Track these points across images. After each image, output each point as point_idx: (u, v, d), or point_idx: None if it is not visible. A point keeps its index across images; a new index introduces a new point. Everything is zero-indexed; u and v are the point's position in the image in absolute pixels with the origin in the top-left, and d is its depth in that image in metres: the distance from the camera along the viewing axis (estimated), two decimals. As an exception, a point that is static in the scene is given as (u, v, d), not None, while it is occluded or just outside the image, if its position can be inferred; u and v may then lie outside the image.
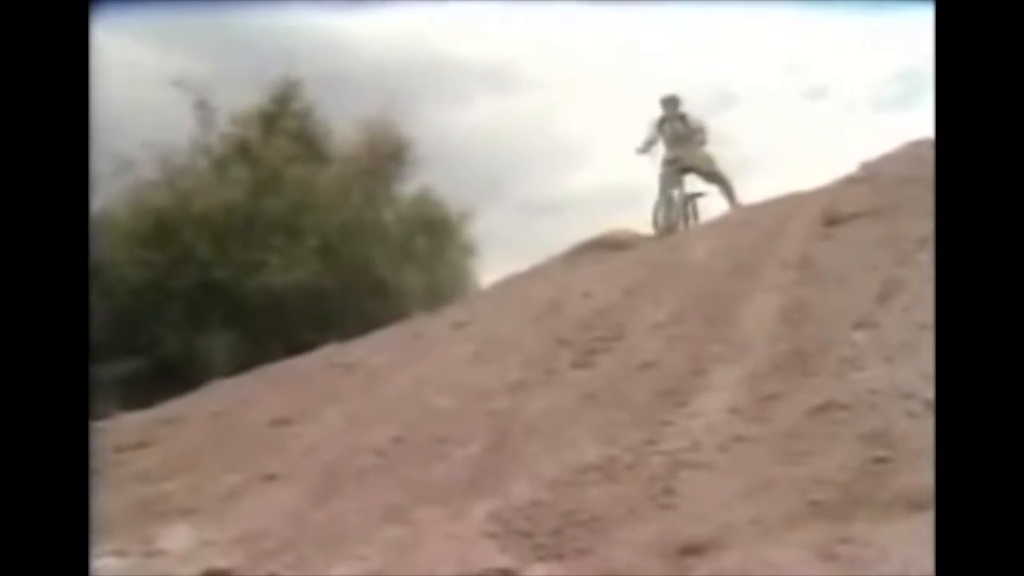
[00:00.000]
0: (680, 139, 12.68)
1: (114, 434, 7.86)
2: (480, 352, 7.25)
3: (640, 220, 12.39)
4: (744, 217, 9.93)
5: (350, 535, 4.63)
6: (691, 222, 12.49)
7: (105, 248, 14.48)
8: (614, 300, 7.64)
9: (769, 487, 4.21)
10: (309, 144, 16.85)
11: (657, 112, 12.59)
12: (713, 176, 12.73)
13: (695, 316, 6.73)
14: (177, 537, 5.07)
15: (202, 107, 15.98)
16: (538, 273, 10.63)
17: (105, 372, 13.59)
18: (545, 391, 6.01)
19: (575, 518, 4.21)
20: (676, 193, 12.68)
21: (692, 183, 12.74)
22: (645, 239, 11.47)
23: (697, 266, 8.20)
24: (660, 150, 12.83)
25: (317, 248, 14.92)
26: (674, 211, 12.53)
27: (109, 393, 12.47)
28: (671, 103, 12.85)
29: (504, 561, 4.01)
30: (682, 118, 12.80)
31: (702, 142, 12.83)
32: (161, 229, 14.84)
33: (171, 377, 11.79)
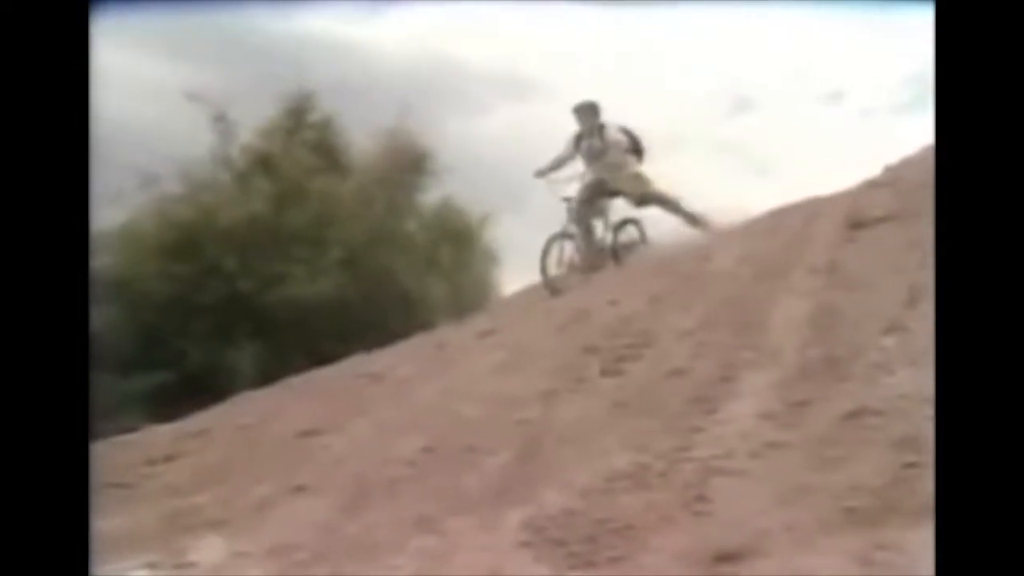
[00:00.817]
0: (601, 157, 10.87)
1: (143, 447, 7.90)
2: (507, 361, 7.24)
3: (661, 226, 12.13)
4: (767, 223, 9.89)
5: (382, 546, 4.62)
6: (638, 248, 11.02)
7: (131, 262, 14.57)
8: (641, 307, 7.63)
9: (803, 494, 4.18)
10: (329, 155, 16.90)
11: (683, 116, 12.08)
12: (648, 199, 10.98)
13: (723, 323, 6.70)
14: (209, 549, 5.08)
15: (221, 120, 16.05)
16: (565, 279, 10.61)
17: (132, 385, 13.68)
18: (574, 399, 5.99)
19: (608, 526, 4.19)
20: (599, 224, 11.05)
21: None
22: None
23: (723, 272, 8.18)
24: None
25: (341, 259, 14.96)
26: (595, 246, 10.90)
27: (137, 406, 12.56)
28: (587, 112, 10.93)
29: (538, 570, 4.00)
30: (600, 131, 10.94)
31: (625, 161, 11.00)
32: (186, 243, 14.91)
33: (198, 390, 11.82)
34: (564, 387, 6.22)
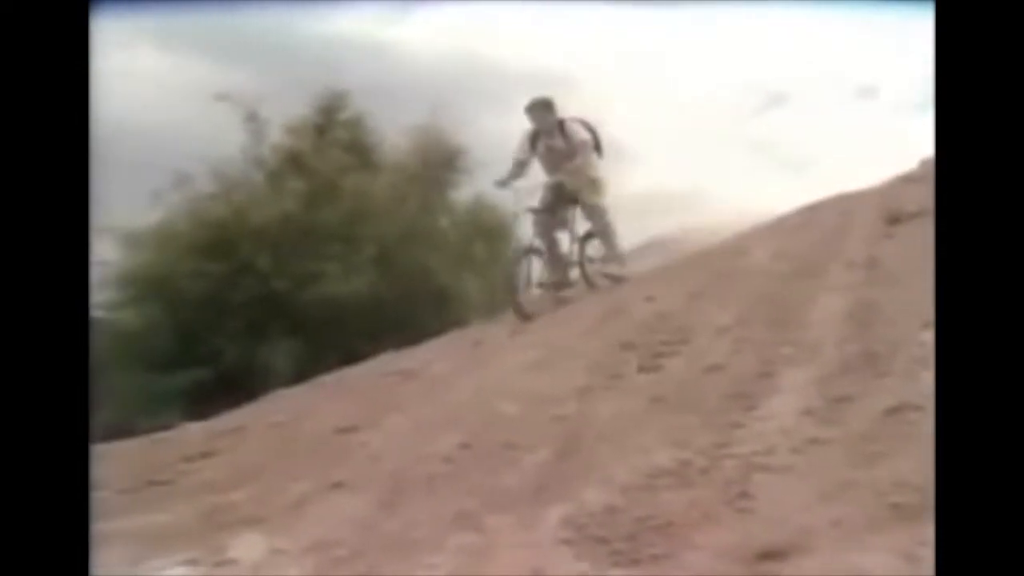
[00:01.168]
0: (561, 158, 9.60)
1: (180, 444, 7.94)
2: (543, 358, 7.23)
3: (692, 222, 11.98)
4: (801, 218, 9.84)
5: (421, 543, 4.60)
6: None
7: (166, 261, 14.66)
8: (677, 303, 7.60)
9: (846, 490, 4.14)
10: (361, 153, 16.92)
11: (714, 113, 11.70)
12: (593, 214, 9.72)
13: (761, 318, 6.67)
14: (248, 546, 5.07)
15: (253, 119, 16.10)
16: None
17: (169, 383, 13.78)
18: (612, 396, 5.96)
19: (650, 523, 4.16)
20: (564, 236, 9.92)
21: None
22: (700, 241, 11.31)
23: (759, 268, 8.14)
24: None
25: (374, 257, 14.98)
26: (561, 261, 9.88)
27: (173, 403, 12.65)
28: (542, 109, 9.69)
29: (580, 568, 3.97)
30: (561, 128, 9.71)
31: (590, 162, 9.72)
32: (220, 242, 14.97)
33: (232, 387, 11.89)
34: (601, 384, 6.20)
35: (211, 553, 5.05)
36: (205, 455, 7.35)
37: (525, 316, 9.15)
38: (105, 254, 14.96)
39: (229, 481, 6.38)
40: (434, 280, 15.52)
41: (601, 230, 9.72)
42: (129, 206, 15.01)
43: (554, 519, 4.41)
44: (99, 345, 15.04)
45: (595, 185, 9.71)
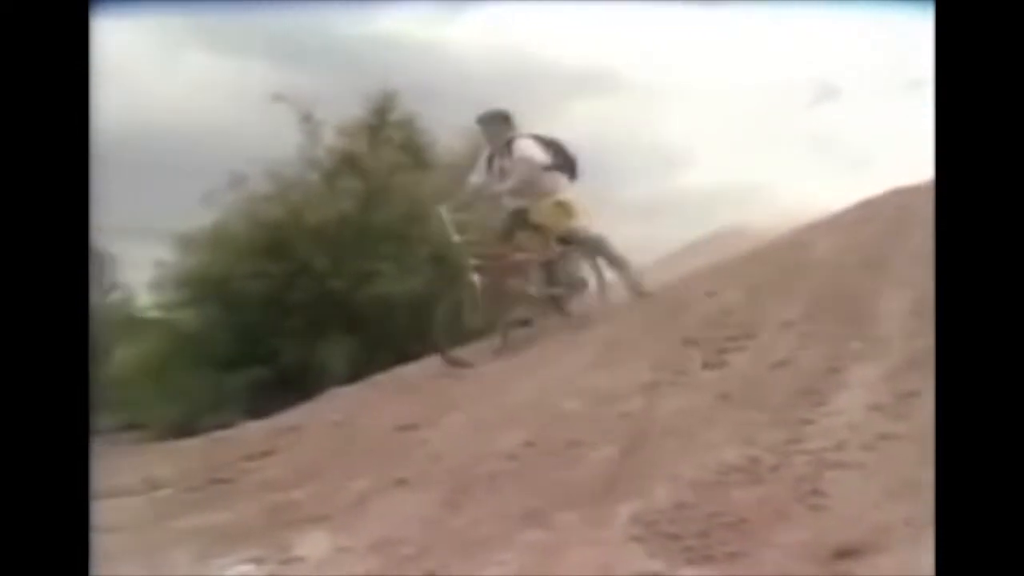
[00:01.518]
0: (522, 181, 8.47)
1: (240, 443, 7.97)
2: (604, 354, 7.18)
3: (750, 218, 11.77)
4: (861, 212, 9.73)
5: (489, 540, 4.57)
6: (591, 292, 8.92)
7: (224, 262, 14.77)
8: (740, 298, 7.53)
9: (918, 487, 4.05)
10: (414, 153, 16.93)
11: (767, 108, 11.26)
12: (571, 238, 8.69)
13: (827, 313, 6.59)
14: (313, 544, 5.08)
15: (307, 120, 16.16)
16: (651, 270, 10.49)
17: (227, 382, 13.88)
18: (677, 392, 5.91)
19: (723, 520, 4.11)
20: (532, 271, 8.84)
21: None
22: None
23: (823, 262, 8.06)
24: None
25: (429, 256, 14.95)
26: (519, 298, 8.97)
27: (233, 402, 12.73)
28: (495, 124, 8.69)
29: (652, 565, 3.93)
30: (508, 147, 8.57)
31: (546, 184, 8.57)
32: (276, 242, 15.03)
33: (289, 386, 11.94)
34: (665, 380, 6.14)
35: (276, 551, 5.05)
36: (266, 453, 7.36)
37: (457, 363, 8.35)
38: (161, 255, 15.12)
39: (291, 479, 6.39)
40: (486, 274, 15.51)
41: (595, 247, 8.74)
42: (184, 208, 15.16)
43: (624, 516, 4.37)
44: (158, 346, 15.20)
45: (563, 210, 8.58)
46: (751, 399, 5.46)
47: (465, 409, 7.03)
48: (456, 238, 8.92)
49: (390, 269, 14.86)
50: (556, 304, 8.91)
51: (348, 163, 16.07)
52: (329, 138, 16.34)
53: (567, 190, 8.75)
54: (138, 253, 15.09)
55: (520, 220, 8.69)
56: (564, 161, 8.72)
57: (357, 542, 4.99)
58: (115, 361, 14.72)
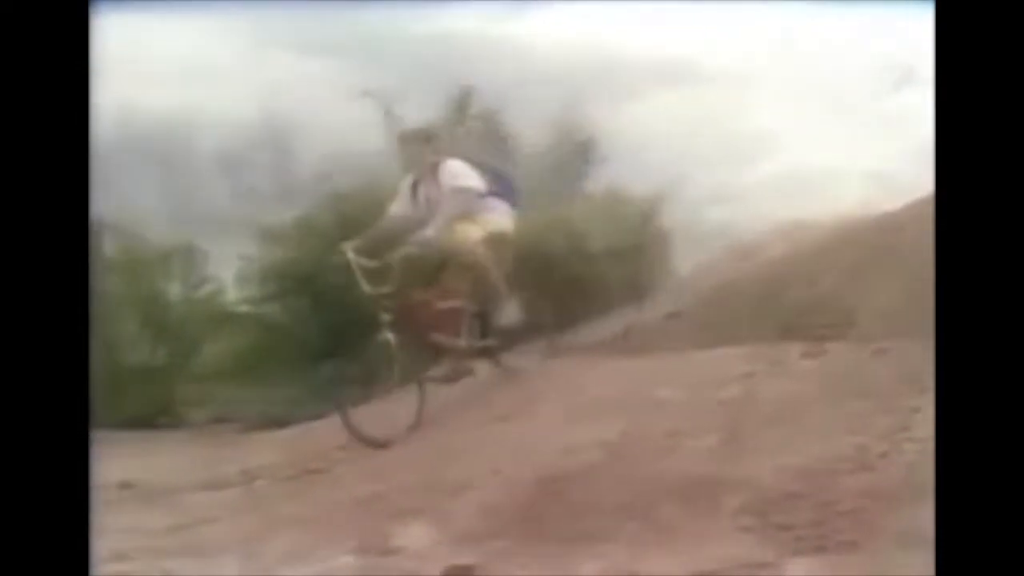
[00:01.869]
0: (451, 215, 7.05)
1: (333, 433, 7.99)
2: (700, 342, 7.08)
3: (837, 202, 11.49)
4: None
5: (589, 531, 4.52)
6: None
7: (309, 256, 14.89)
8: (837, 285, 7.38)
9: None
10: (495, 147, 16.96)
11: (848, 92, 10.56)
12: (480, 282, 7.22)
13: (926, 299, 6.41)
14: (413, 535, 5.05)
15: (390, 115, 16.24)
16: (740, 258, 10.34)
17: (317, 374, 13.98)
18: (777, 380, 5.80)
19: (834, 509, 4.01)
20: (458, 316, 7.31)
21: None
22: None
23: (917, 245, 7.85)
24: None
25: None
26: (445, 350, 7.42)
27: (323, 394, 12.81)
28: (417, 143, 7.38)
29: (763, 555, 3.84)
30: (435, 171, 7.22)
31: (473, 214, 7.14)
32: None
33: (376, 377, 11.97)
34: (763, 368, 6.03)
35: (377, 541, 5.04)
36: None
37: (372, 442, 6.95)
38: (246, 249, 15.29)
39: (388, 469, 6.38)
40: (572, 269, 15.46)
41: (491, 294, 7.35)
42: (268, 202, 15.31)
43: (731, 506, 4.29)
44: (247, 340, 15.38)
45: (502, 245, 7.29)
46: (854, 387, 5.35)
47: (560, 398, 6.95)
48: (367, 287, 7.40)
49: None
50: (491, 357, 7.67)
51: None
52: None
53: (506, 220, 7.44)
54: (225, 248, 15.27)
55: (449, 260, 7.19)
56: (503, 186, 7.51)
57: (454, 533, 4.96)
58: (206, 355, 14.92)
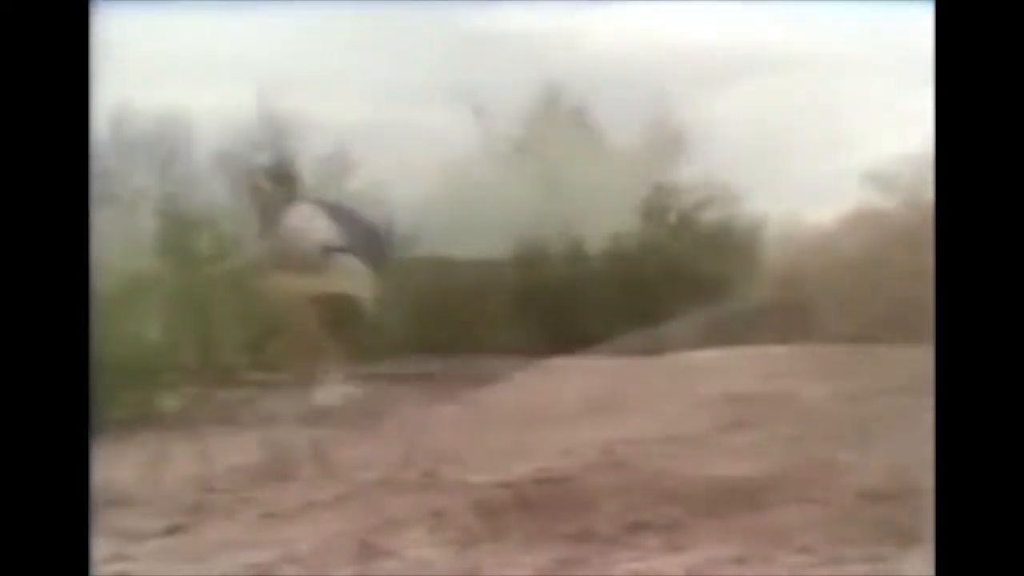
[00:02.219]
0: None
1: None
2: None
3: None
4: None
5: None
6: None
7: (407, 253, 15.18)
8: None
9: None
10: (587, 142, 17.05)
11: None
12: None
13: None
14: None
15: (480, 113, 16.41)
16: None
17: (406, 368, 14.25)
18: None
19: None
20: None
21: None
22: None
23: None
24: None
25: (610, 234, 15.09)
26: None
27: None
28: (271, 182, 6.38)
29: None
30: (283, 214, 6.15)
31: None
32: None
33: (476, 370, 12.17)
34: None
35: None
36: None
37: None
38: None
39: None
40: (668, 261, 15.54)
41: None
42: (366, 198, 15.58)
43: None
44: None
45: (325, 305, 6.07)
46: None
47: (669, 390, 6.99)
48: None
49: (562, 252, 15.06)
50: None
51: (523, 152, 16.31)
52: (503, 128, 16.58)
53: (355, 281, 6.43)
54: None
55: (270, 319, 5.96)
56: (359, 237, 6.56)
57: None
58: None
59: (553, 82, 16.78)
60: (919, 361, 5.79)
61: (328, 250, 6.32)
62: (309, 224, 6.28)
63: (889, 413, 5.43)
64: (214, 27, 13.15)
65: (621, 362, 8.87)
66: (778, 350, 7.24)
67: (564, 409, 7.43)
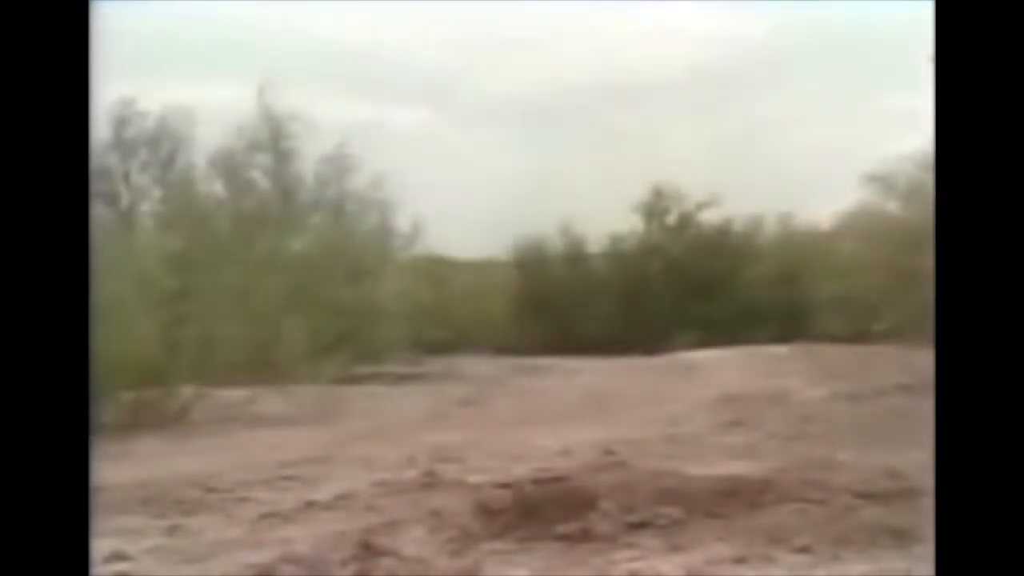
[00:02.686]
0: None
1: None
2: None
3: None
4: None
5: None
6: None
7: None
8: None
9: None
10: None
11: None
12: None
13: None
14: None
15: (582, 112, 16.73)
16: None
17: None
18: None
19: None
20: None
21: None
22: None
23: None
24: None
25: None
26: None
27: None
28: None
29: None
30: None
31: None
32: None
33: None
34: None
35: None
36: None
37: None
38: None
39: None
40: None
41: None
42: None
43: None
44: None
45: None
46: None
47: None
48: None
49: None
50: None
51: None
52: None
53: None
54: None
55: None
56: None
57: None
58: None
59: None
60: (919, 361, 5.86)
61: None
62: None
63: (889, 413, 5.41)
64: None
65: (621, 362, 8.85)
66: (778, 350, 7.24)
67: (564, 409, 7.45)
